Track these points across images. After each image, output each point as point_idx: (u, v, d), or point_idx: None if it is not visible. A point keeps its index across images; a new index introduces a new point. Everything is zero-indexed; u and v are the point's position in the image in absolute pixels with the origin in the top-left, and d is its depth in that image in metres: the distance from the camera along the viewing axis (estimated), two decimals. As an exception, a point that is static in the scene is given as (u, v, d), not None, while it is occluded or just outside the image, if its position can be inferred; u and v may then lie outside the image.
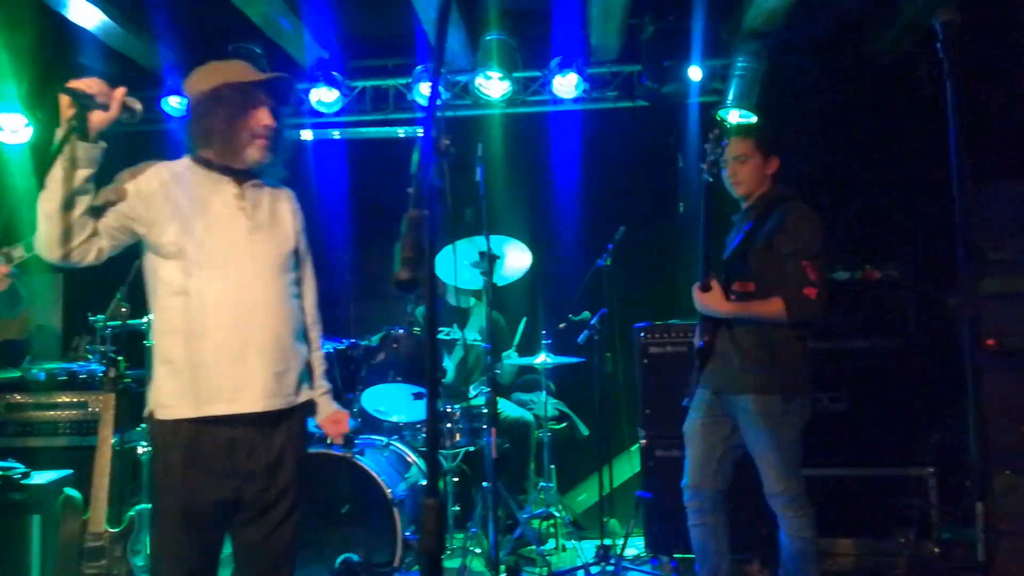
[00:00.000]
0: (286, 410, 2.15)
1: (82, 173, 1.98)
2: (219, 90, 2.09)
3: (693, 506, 2.89)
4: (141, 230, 2.08)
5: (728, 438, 2.86)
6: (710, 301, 2.80)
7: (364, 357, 3.53)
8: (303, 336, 2.26)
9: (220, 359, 2.06)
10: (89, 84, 1.96)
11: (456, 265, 3.63)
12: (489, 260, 3.14)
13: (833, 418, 3.80)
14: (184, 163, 2.17)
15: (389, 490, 3.15)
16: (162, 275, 2.09)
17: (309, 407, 2.27)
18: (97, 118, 1.99)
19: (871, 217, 4.77)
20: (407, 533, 3.23)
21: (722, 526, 2.87)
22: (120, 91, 2.01)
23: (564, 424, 4.79)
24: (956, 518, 3.82)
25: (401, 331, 3.55)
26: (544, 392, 4.10)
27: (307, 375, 2.25)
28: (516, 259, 3.94)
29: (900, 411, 3.77)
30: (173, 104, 4.99)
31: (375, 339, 3.63)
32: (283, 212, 2.26)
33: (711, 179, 2.81)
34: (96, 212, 2.04)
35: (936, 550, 3.65)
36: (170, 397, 2.07)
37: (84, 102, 1.95)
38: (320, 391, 2.33)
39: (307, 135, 5.35)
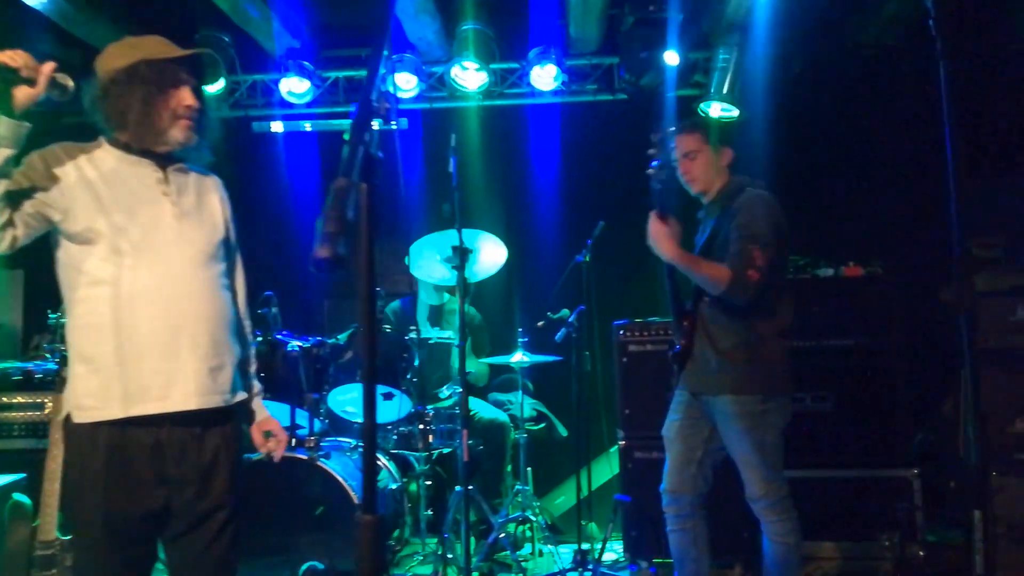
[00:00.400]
0: (221, 410, 2.00)
1: (2, 153, 1.83)
2: (136, 67, 1.94)
3: (672, 511, 2.78)
4: (56, 217, 1.92)
5: (708, 440, 2.75)
6: (661, 238, 2.63)
7: (331, 356, 3.38)
8: (237, 331, 2.11)
9: (148, 354, 1.91)
10: (12, 56, 1.81)
11: (429, 260, 3.50)
12: (461, 254, 3.00)
13: (816, 418, 3.70)
14: (100, 146, 2.01)
15: (355, 495, 3.01)
16: (80, 265, 1.93)
17: (244, 407, 2.13)
18: (22, 94, 1.83)
19: (854, 212, 4.69)
20: (375, 540, 3.08)
21: (702, 532, 2.76)
22: (48, 66, 1.86)
23: (542, 425, 4.67)
24: (941, 520, 3.76)
25: (370, 328, 3.40)
26: (520, 392, 3.98)
27: (240, 374, 2.10)
28: (491, 254, 3.81)
29: (884, 411, 3.68)
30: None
31: (342, 337, 3.49)
32: (211, 199, 2.12)
33: (659, 186, 2.67)
34: (10, 198, 1.88)
35: (921, 553, 3.57)
36: (89, 398, 1.90)
37: (6, 75, 1.79)
38: (252, 393, 2.18)
39: (277, 127, 5.19)
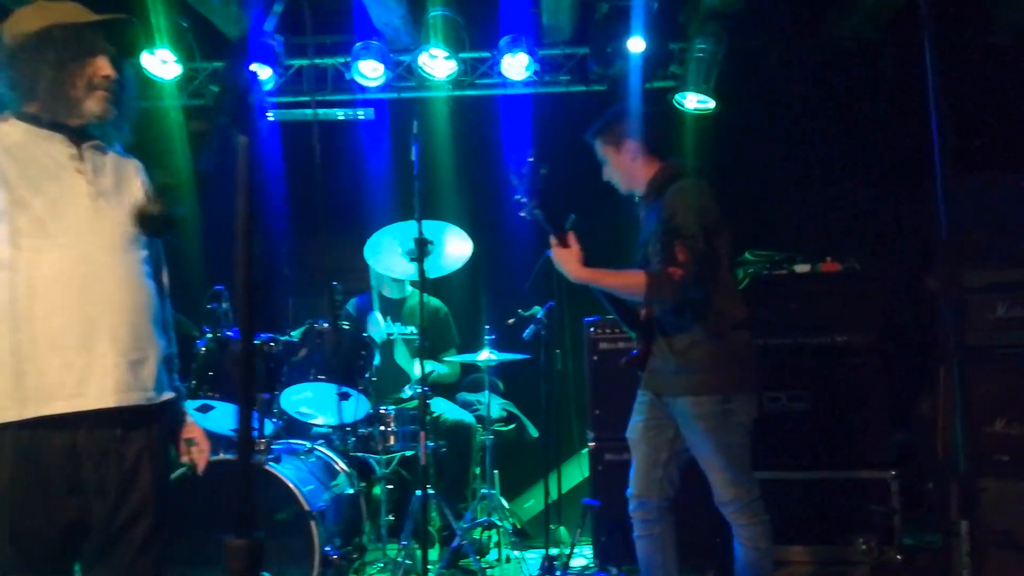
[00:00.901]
0: (144, 409, 1.83)
1: None
2: (49, 31, 1.78)
3: (638, 516, 2.65)
4: None
5: (673, 442, 2.62)
6: (568, 262, 2.53)
7: (284, 354, 3.21)
8: (160, 324, 1.95)
9: (57, 346, 1.73)
10: None
11: (389, 253, 3.34)
12: (419, 246, 2.84)
13: (792, 418, 3.59)
14: (6, 120, 1.83)
15: (305, 501, 2.84)
16: None
17: (169, 409, 1.96)
18: None
19: (832, 207, 4.60)
20: (327, 548, 2.92)
21: (670, 537, 2.63)
22: None
23: (512, 426, 4.53)
24: (919, 523, 3.66)
25: (325, 324, 3.24)
26: (487, 392, 3.83)
27: (165, 372, 1.93)
28: (456, 247, 3.66)
29: (861, 410, 3.58)
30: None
31: (296, 334, 3.32)
32: (132, 182, 1.94)
33: (531, 218, 2.59)
34: None
35: (899, 557, 3.47)
36: None
37: None
38: (176, 393, 2.01)
39: (240, 116, 4.99)
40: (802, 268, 3.76)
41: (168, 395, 1.94)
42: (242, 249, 0.99)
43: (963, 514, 1.72)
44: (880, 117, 4.56)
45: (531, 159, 2.54)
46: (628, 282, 2.49)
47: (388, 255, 3.57)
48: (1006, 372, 3.22)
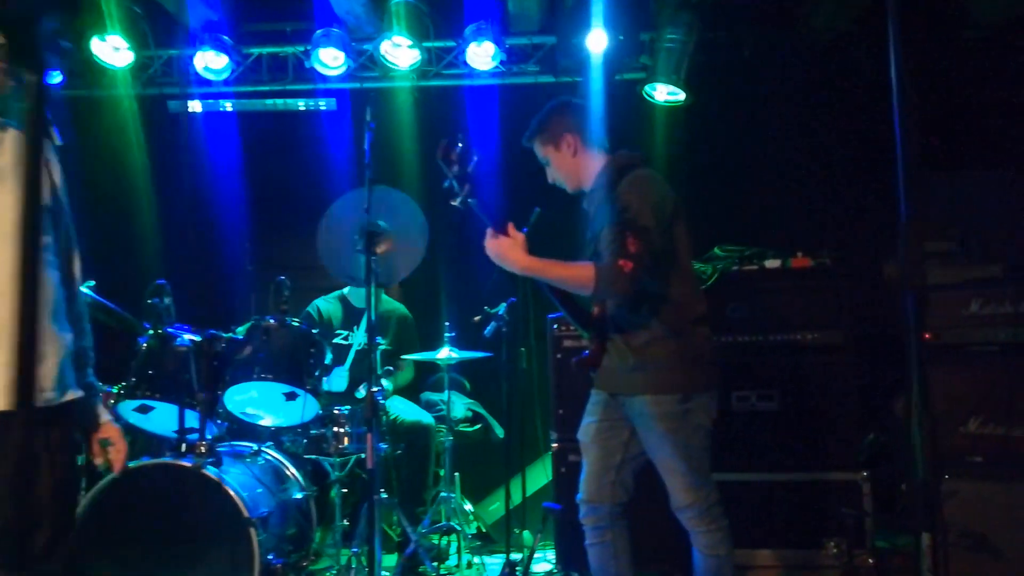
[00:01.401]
0: (41, 411, 1.68)
1: None
2: None
3: (589, 523, 2.51)
4: None
5: (627, 445, 2.48)
6: (507, 252, 2.35)
7: (228, 351, 3.04)
8: (64, 318, 1.79)
9: None
10: None
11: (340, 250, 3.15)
12: (368, 239, 2.69)
13: (761, 417, 3.49)
14: None
15: (245, 507, 2.68)
16: None
17: (77, 409, 1.80)
18: None
19: (804, 201, 4.50)
20: (270, 556, 2.76)
21: (623, 544, 2.49)
22: None
23: (478, 427, 4.39)
24: (892, 525, 3.57)
25: (272, 320, 3.08)
26: (447, 391, 3.68)
27: (72, 369, 1.79)
28: (411, 243, 3.50)
29: (833, 410, 3.48)
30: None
31: (240, 330, 3.15)
32: None
33: (463, 207, 2.40)
34: None
35: (871, 561, 3.37)
36: None
37: None
38: (88, 391, 1.86)
39: (195, 107, 4.82)
40: (772, 263, 3.65)
41: (74, 394, 1.79)
42: (27, 207, 0.84)
43: (924, 524, 1.59)
44: (854, 110, 4.46)
45: (461, 144, 2.35)
46: (576, 274, 2.35)
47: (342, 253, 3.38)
48: (980, 370, 3.15)
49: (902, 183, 1.56)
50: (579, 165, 2.55)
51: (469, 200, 2.39)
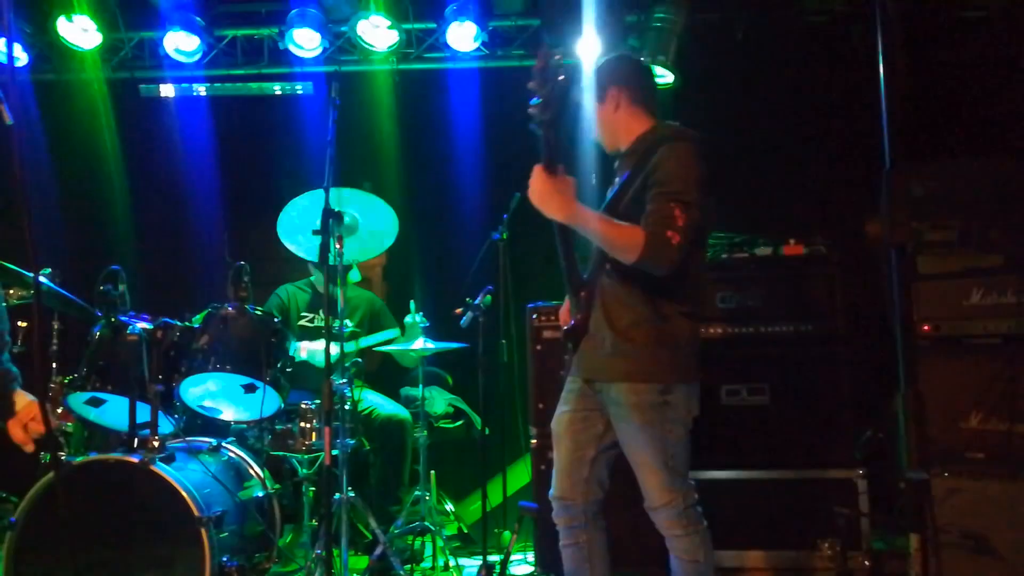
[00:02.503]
0: None
1: None
2: None
3: (562, 522, 2.34)
4: None
5: (602, 437, 2.31)
6: (553, 191, 2.08)
7: (183, 341, 2.88)
8: None
9: None
10: None
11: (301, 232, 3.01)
12: (325, 217, 2.52)
13: (751, 412, 3.34)
14: None
15: (196, 506, 2.51)
16: None
17: None
18: None
19: (796, 186, 4.34)
20: (224, 558, 2.59)
21: (598, 546, 2.33)
22: None
23: (460, 423, 4.23)
24: (889, 525, 3.42)
25: (230, 308, 2.91)
26: (421, 386, 3.52)
27: None
28: (383, 227, 3.34)
29: (827, 404, 3.34)
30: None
31: (197, 319, 2.99)
32: None
33: (542, 130, 2.06)
34: None
35: (866, 563, 3.24)
36: None
37: None
38: (3, 377, 1.71)
39: (168, 91, 4.66)
40: (764, 251, 3.50)
41: None
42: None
43: (913, 525, 1.41)
44: (849, 93, 4.31)
45: (557, 56, 2.02)
46: (624, 234, 2.13)
47: (299, 234, 3.23)
48: (981, 363, 3.02)
49: (887, 129, 1.40)
50: (621, 123, 2.37)
51: (548, 122, 2.04)
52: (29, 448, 1.77)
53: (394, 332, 3.98)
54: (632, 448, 2.22)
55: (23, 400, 1.79)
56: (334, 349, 2.64)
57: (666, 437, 2.19)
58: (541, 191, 2.10)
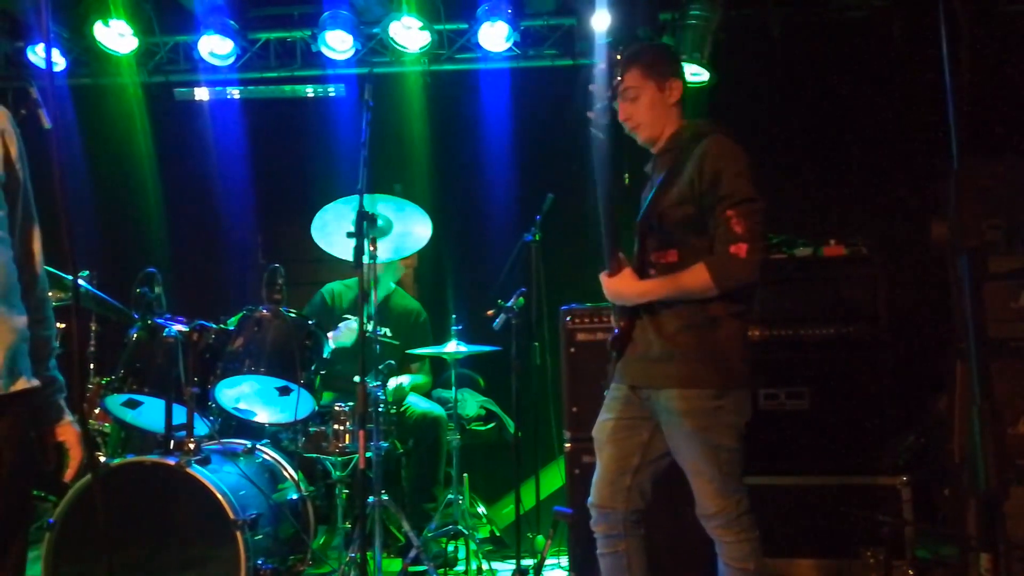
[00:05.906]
0: None
1: None
2: None
3: (601, 530, 2.29)
4: None
5: (646, 445, 2.25)
6: (621, 287, 2.20)
7: (219, 343, 2.88)
8: (16, 300, 1.64)
9: None
10: None
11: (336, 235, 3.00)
12: (360, 221, 2.51)
13: (791, 418, 3.26)
14: None
15: (231, 508, 2.51)
16: None
17: (32, 401, 1.64)
18: None
19: (837, 187, 4.25)
20: (259, 561, 2.59)
21: (637, 555, 2.27)
22: None
23: (492, 425, 4.20)
24: (934, 534, 3.36)
25: (264, 310, 2.91)
26: (454, 388, 3.50)
27: (26, 356, 1.63)
28: (415, 230, 3.33)
29: (869, 410, 3.25)
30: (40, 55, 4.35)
31: (232, 321, 2.99)
32: None
33: (602, 134, 2.09)
34: None
35: (911, 572, 3.14)
36: None
37: None
38: (48, 386, 1.70)
39: (202, 94, 4.69)
40: (803, 252, 3.42)
41: (27, 383, 1.63)
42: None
43: (984, 545, 1.34)
44: (890, 89, 4.21)
45: (619, 57, 2.04)
46: (691, 280, 2.12)
47: (335, 237, 3.22)
48: (1030, 367, 2.90)
49: (953, 125, 1.33)
50: (672, 116, 2.31)
51: (601, 133, 2.10)
52: (48, 466, 1.75)
53: (421, 378, 3.96)
54: (684, 455, 2.17)
55: (64, 416, 1.76)
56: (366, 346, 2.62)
57: (720, 443, 2.14)
58: (614, 292, 2.24)
